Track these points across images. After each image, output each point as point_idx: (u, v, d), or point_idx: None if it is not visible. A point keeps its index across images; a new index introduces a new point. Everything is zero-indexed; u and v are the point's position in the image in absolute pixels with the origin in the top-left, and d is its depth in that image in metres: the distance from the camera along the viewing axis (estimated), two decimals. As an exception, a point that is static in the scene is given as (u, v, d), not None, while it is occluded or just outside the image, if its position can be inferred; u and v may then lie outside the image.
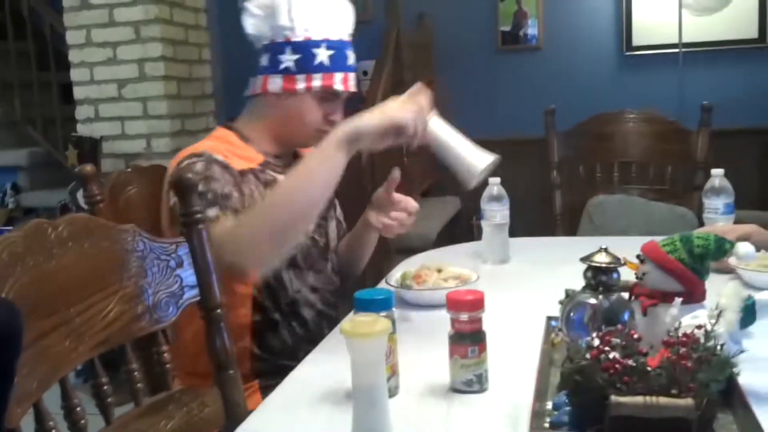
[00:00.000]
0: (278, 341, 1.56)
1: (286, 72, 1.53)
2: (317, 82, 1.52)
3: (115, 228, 1.07)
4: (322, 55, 1.52)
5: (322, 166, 1.35)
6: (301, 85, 1.52)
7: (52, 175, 4.54)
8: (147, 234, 1.14)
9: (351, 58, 1.57)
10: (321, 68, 1.52)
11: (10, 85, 4.53)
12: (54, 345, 0.92)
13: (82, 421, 0.97)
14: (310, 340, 1.57)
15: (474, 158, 1.45)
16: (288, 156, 1.64)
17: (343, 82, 1.54)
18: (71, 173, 3.75)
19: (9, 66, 4.50)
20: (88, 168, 1.54)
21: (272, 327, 1.55)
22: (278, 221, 1.33)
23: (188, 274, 1.17)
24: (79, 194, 3.39)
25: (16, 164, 4.49)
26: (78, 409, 0.97)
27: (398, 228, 1.58)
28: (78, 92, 3.69)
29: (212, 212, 1.34)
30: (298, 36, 1.51)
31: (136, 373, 1.08)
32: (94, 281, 1.01)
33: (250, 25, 1.56)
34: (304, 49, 1.51)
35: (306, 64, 1.52)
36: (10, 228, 4.06)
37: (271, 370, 1.53)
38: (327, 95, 1.55)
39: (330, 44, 1.52)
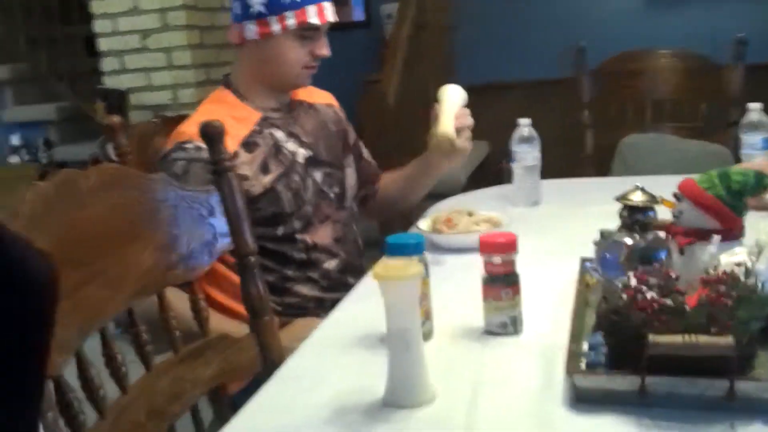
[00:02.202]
0: (296, 296, 1.56)
1: (259, 16, 1.50)
2: (291, 20, 1.50)
3: (144, 177, 1.07)
4: None
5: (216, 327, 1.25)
6: (275, 27, 1.50)
7: (82, 129, 4.57)
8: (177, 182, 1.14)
9: None
10: (292, 5, 1.49)
11: (36, 40, 4.54)
12: (91, 295, 0.93)
13: (123, 369, 0.99)
14: (333, 289, 1.58)
15: (442, 126, 1.54)
16: (285, 107, 1.63)
17: (317, 14, 1.51)
18: (101, 126, 3.76)
19: (33, 21, 4.50)
20: (115, 120, 1.55)
21: (287, 284, 1.55)
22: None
23: (220, 223, 1.17)
24: (110, 146, 3.40)
25: (46, 119, 4.52)
26: (118, 357, 0.98)
27: (468, 143, 1.59)
28: (102, 44, 3.67)
29: None
30: None
31: (173, 321, 1.10)
32: (126, 231, 1.01)
33: None
34: None
35: (275, 5, 1.49)
36: (44, 182, 4.14)
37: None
38: (305, 32, 1.53)
39: None
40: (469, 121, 1.59)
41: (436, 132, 1.54)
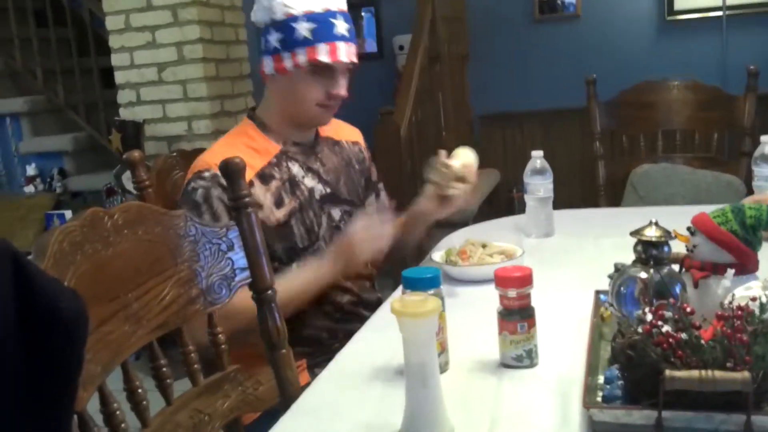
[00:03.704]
0: (309, 328, 1.58)
1: (275, 52, 1.54)
2: (302, 57, 1.52)
3: (167, 214, 1.09)
4: (303, 29, 1.51)
5: (319, 283, 1.52)
6: (288, 63, 1.53)
7: (96, 159, 4.63)
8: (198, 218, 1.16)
9: (341, 27, 1.54)
10: (304, 42, 1.52)
11: (53, 71, 4.61)
12: (114, 330, 0.95)
13: (144, 402, 1.00)
14: (345, 320, 1.60)
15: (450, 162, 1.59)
16: (307, 143, 1.65)
17: (329, 53, 1.52)
18: (115, 157, 3.81)
19: (50, 53, 4.58)
20: (136, 154, 1.58)
21: (299, 315, 1.56)
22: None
23: (239, 257, 1.19)
24: (125, 177, 3.44)
25: (62, 149, 4.58)
26: (140, 391, 1.00)
27: (462, 201, 1.61)
28: (119, 77, 3.73)
29: None
30: (279, 14, 1.52)
31: (192, 354, 1.11)
32: (149, 266, 1.03)
33: (253, 12, 1.59)
34: (285, 26, 1.52)
35: (288, 41, 1.53)
36: (60, 212, 4.17)
37: (314, 352, 1.57)
38: (319, 69, 1.54)
39: (311, 17, 1.51)
40: (474, 178, 1.60)
41: (437, 170, 1.56)
